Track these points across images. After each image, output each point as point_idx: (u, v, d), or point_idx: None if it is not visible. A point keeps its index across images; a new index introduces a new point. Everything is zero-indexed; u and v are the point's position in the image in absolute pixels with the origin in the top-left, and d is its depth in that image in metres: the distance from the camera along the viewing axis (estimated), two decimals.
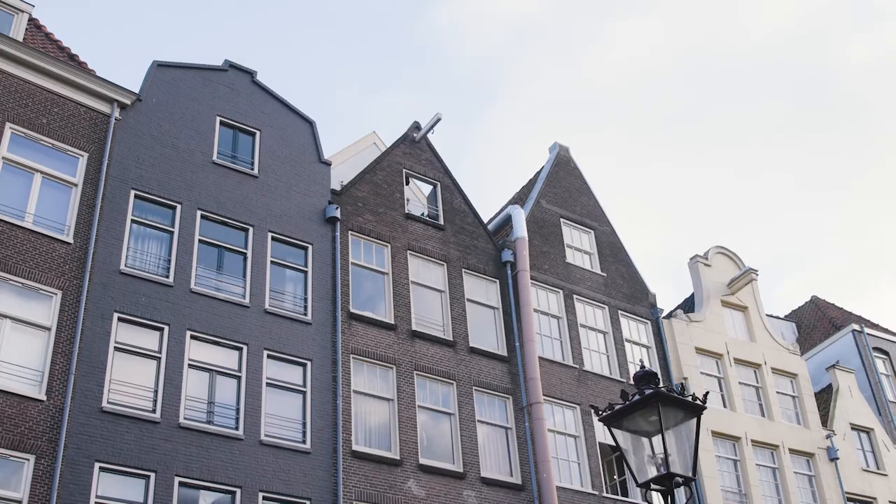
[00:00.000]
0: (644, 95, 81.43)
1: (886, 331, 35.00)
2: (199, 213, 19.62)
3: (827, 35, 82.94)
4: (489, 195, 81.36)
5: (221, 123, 21.26)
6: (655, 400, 7.09)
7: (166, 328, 17.85)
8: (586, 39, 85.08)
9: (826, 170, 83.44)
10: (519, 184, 30.98)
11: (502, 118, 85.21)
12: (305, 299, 20.16)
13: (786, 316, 36.89)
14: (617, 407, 7.28)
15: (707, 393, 7.98)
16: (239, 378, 18.31)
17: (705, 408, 7.23)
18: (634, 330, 25.91)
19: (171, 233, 19.09)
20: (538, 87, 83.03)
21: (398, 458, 19.44)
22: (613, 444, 7.53)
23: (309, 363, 19.32)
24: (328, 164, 22.52)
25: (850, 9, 79.34)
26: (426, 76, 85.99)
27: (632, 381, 12.47)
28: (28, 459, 15.30)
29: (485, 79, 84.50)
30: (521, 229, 24.29)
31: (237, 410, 17.95)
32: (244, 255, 19.85)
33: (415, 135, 24.66)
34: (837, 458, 27.33)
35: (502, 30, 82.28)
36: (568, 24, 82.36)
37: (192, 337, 18.11)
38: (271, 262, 20.12)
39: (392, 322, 21.10)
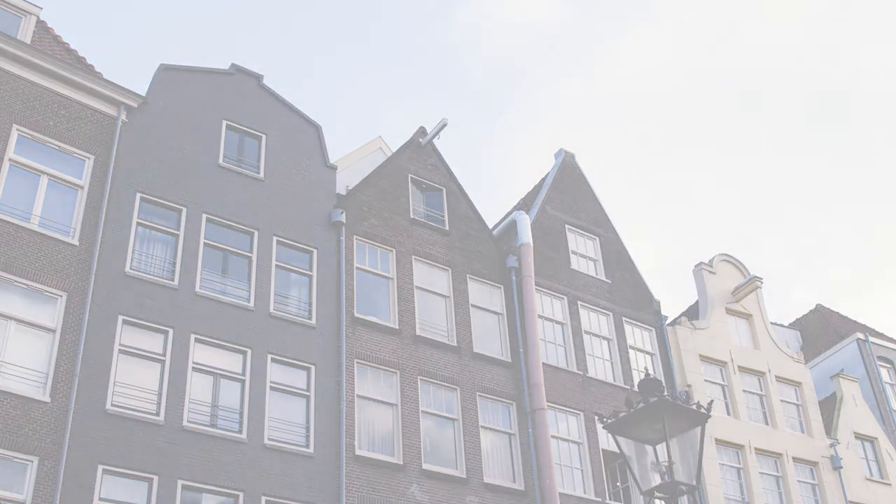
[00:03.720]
0: (651, 102, 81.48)
1: (891, 340, 34.88)
2: (204, 216, 19.64)
3: (837, 45, 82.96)
4: (495, 201, 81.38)
5: (227, 127, 21.27)
6: (660, 408, 7.08)
7: (171, 331, 17.86)
8: (597, 48, 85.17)
9: (831, 178, 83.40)
10: (525, 189, 30.97)
11: (509, 124, 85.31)
12: (310, 303, 20.16)
13: (790, 324, 36.77)
14: (621, 414, 7.27)
15: (711, 401, 7.96)
16: (243, 381, 18.32)
17: (710, 416, 7.22)
18: (639, 337, 25.87)
19: (177, 236, 19.12)
20: (544, 94, 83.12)
21: (401, 462, 19.43)
22: (617, 451, 7.52)
23: (313, 367, 19.32)
24: (334, 168, 22.54)
25: (861, 19, 79.35)
26: (435, 82, 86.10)
27: (636, 388, 12.47)
28: (32, 461, 15.32)
29: (494, 85, 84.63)
30: (525, 235, 24.25)
31: (241, 414, 17.96)
32: (249, 258, 19.87)
33: (421, 140, 24.66)
34: (841, 467, 27.25)
35: (513, 37, 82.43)
36: (578, 33, 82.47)
37: (197, 340, 18.12)
38: (276, 265, 20.13)
39: (396, 327, 21.10)
